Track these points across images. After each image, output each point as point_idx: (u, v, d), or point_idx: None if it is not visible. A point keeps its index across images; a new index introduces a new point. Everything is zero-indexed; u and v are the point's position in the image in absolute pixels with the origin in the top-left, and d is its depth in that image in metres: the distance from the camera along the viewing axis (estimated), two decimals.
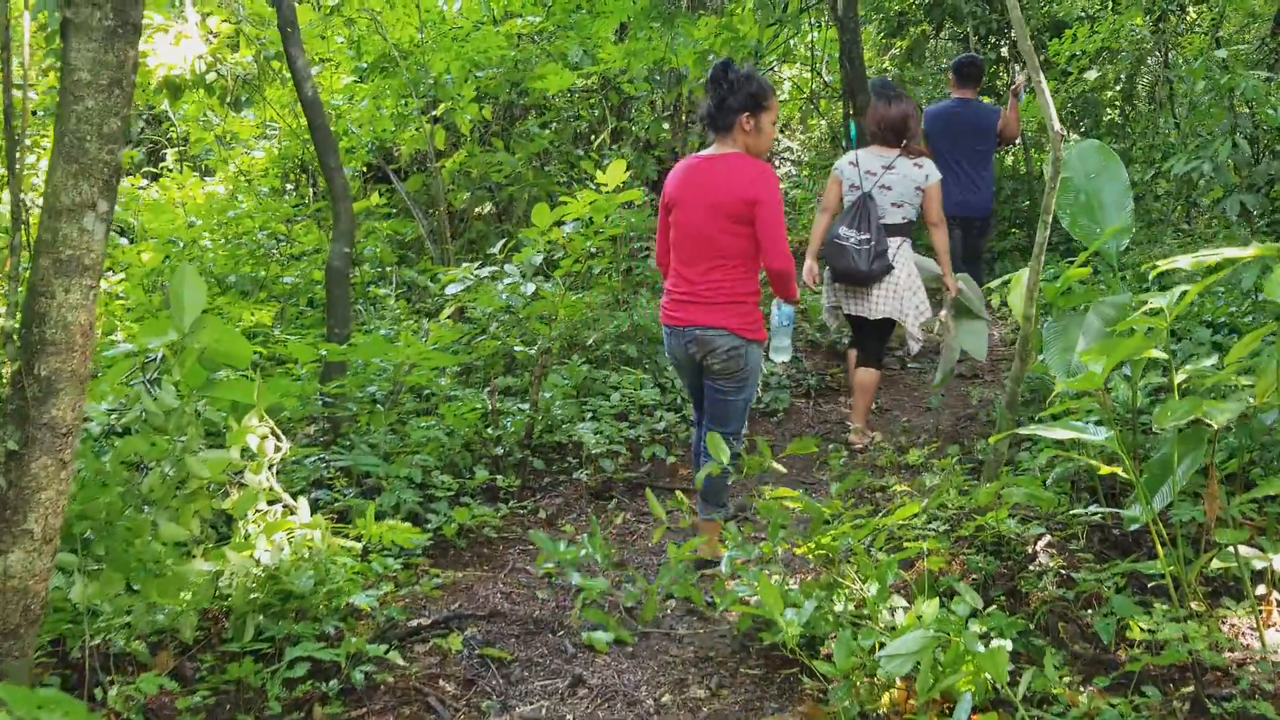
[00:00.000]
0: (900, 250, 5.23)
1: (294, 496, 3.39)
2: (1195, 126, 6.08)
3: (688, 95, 7.55)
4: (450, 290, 5.32)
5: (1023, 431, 3.23)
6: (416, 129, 7.75)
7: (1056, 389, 3.46)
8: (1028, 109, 9.96)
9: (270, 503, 3.30)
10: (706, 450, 3.49)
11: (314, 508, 4.01)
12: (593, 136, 8.54)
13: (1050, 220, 3.65)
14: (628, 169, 4.99)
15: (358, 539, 3.41)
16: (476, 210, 8.67)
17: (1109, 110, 11.88)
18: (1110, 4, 11.01)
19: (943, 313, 5.50)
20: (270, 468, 3.28)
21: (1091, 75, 8.24)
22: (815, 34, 7.84)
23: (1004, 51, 11.94)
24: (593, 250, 5.69)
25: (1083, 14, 10.44)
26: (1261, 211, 5.58)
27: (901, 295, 5.23)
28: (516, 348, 5.20)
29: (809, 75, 9.58)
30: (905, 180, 5.19)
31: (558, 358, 5.74)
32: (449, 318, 6.35)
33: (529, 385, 5.19)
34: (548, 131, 7.80)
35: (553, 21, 7.96)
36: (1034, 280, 3.68)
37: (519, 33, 8.06)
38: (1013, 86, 6.95)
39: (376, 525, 3.50)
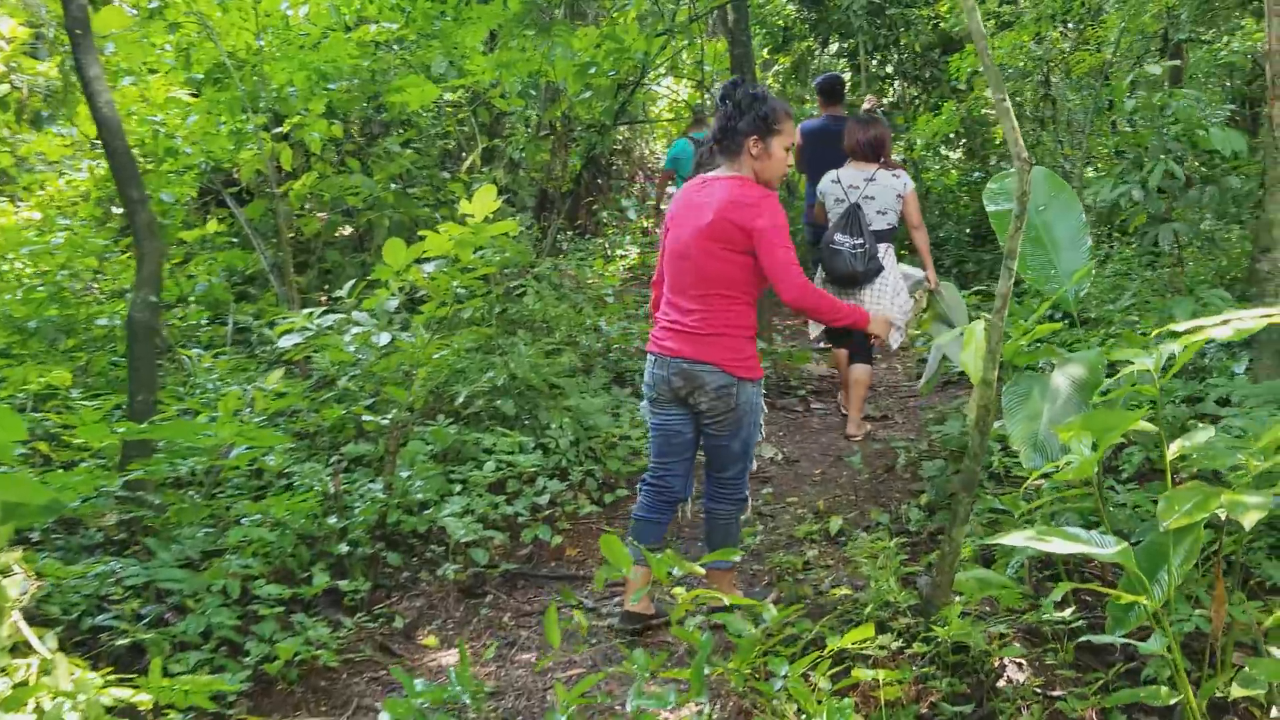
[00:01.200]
0: (887, 254, 5.72)
1: (65, 630, 2.48)
2: (1120, 147, 5.62)
3: (567, 112, 6.82)
4: (285, 343, 4.43)
5: (1002, 541, 2.54)
6: (259, 148, 6.78)
7: (1033, 476, 2.81)
8: (921, 126, 9.58)
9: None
10: (653, 521, 3.53)
11: (92, 645, 3.10)
12: (463, 156, 7.71)
13: (1015, 266, 3.00)
14: (501, 194, 4.19)
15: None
16: (331, 238, 7.73)
17: (994, 131, 11.61)
18: (996, 21, 10.73)
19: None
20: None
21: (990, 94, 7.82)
22: (704, 47, 7.20)
23: (889, 69, 11.59)
24: (461, 292, 4.87)
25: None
26: (1191, 241, 5.13)
27: (889, 295, 5.66)
28: (365, 416, 4.31)
29: (697, 90, 8.98)
30: (887, 190, 5.74)
31: (420, 418, 4.88)
32: (290, 368, 5.44)
33: (384, 454, 4.33)
34: (409, 151, 6.93)
35: (414, 29, 7.10)
36: (996, 337, 3.02)
37: (375, 40, 7.17)
38: (864, 108, 6.89)
39: (168, 680, 2.62)
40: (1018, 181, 2.94)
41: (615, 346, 6.76)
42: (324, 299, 6.96)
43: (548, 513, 4.62)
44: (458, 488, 4.53)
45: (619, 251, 12.96)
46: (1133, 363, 2.95)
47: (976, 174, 11.48)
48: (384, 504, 4.03)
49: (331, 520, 3.94)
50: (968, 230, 10.96)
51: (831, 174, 5.89)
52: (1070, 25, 9.23)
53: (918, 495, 4.87)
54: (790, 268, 3.28)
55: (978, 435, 3.15)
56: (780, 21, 11.58)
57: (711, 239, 3.31)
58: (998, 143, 11.09)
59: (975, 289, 9.27)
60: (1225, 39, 12.72)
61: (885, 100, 11.80)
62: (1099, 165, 13.03)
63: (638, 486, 3.79)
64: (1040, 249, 3.64)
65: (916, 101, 11.00)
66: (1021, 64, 9.53)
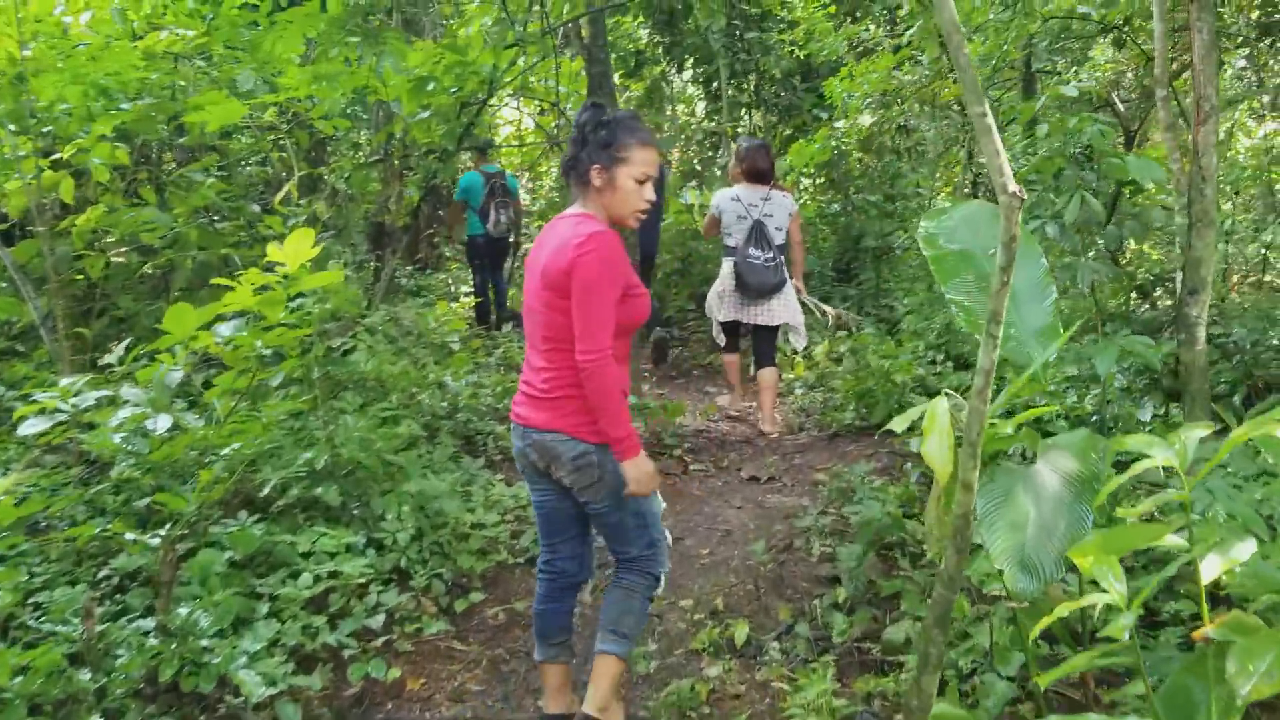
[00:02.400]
0: (784, 266, 6.44)
1: None
2: (1027, 177, 5.10)
3: (402, 135, 5.88)
4: (27, 429, 3.36)
5: None
6: (30, 178, 5.59)
7: (1041, 624, 2.08)
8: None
9: None
10: (554, 610, 3.14)
11: None
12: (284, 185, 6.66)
13: (1000, 333, 2.28)
14: (325, 229, 3.26)
15: None
16: (126, 281, 6.53)
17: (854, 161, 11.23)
18: (857, 49, 10.35)
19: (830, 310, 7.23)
20: None
21: (866, 121, 7.31)
22: (558, 65, 6.41)
23: (744, 98, 11.07)
24: (270, 355, 3.88)
25: (839, 59, 9.67)
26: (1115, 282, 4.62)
27: (792, 303, 6.45)
28: (129, 535, 3.27)
29: (551, 113, 8.17)
30: (781, 209, 6.43)
31: (216, 515, 3.86)
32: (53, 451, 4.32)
33: (160, 571, 3.30)
34: (212, 180, 5.86)
35: (218, 39, 6.04)
36: (977, 427, 2.30)
37: (171, 52, 6.08)
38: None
39: None
40: (1004, 222, 2.22)
41: (463, 405, 5.84)
42: (110, 355, 5.79)
43: (383, 638, 3.66)
44: (264, 608, 3.53)
45: (464, 289, 12.02)
46: (1144, 455, 2.27)
47: (835, 206, 11.09)
48: (156, 652, 3.01)
49: (84, 676, 2.90)
50: (831, 265, 10.52)
51: (729, 192, 6.45)
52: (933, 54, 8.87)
53: (831, 585, 4.15)
54: (593, 323, 2.76)
55: (953, 555, 2.40)
56: (632, 45, 10.93)
57: (547, 287, 2.87)
58: (857, 174, 10.70)
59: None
60: (1074, 70, 12.80)
61: (740, 129, 11.29)
62: (948, 196, 12.90)
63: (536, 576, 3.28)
64: (987, 301, 2.94)
65: (776, 130, 10.50)
66: (882, 93, 9.12)
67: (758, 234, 6.25)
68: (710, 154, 11.36)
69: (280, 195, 5.26)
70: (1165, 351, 4.58)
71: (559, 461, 2.91)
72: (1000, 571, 2.40)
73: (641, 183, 2.93)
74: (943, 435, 2.44)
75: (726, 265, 6.44)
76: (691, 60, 11.11)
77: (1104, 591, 2.05)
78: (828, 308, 7.33)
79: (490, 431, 5.84)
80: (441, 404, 5.71)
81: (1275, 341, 5.97)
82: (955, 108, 11.63)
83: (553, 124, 6.91)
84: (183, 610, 3.18)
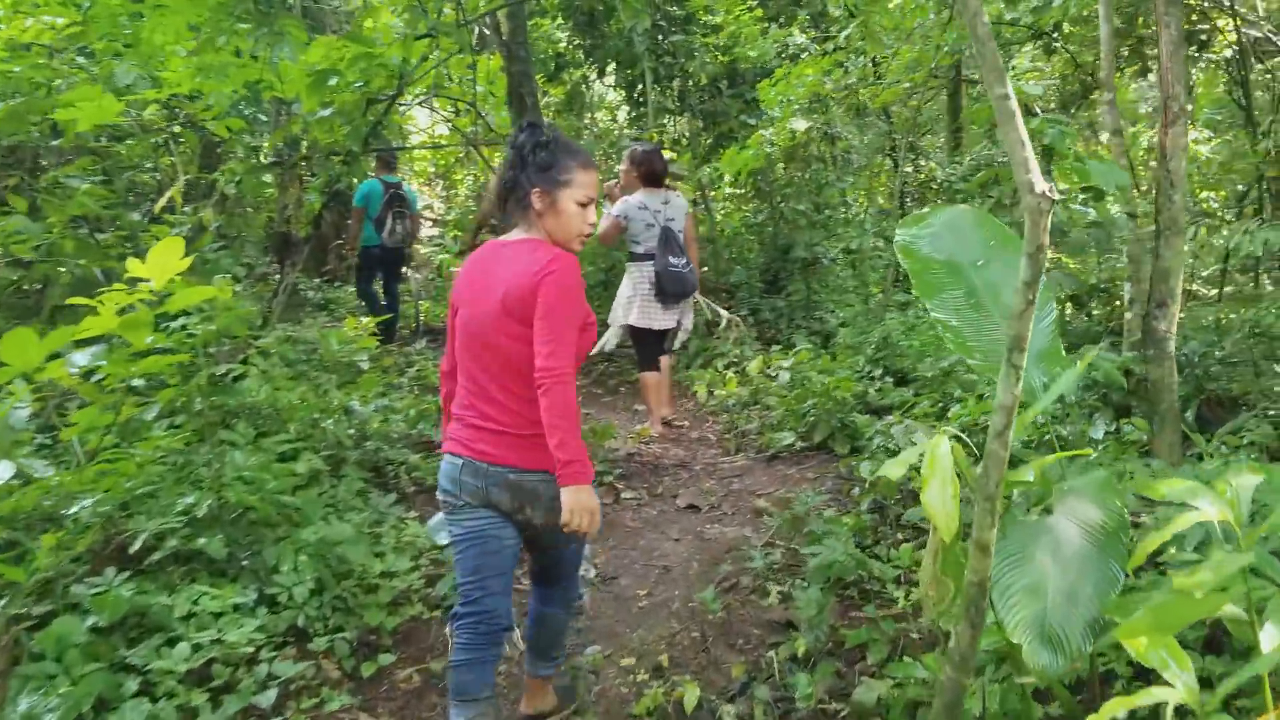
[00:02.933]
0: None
1: None
2: (981, 184, 4.80)
3: (301, 136, 5.33)
4: None
5: None
6: None
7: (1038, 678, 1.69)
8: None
9: None
10: (477, 662, 2.82)
11: None
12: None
13: (1023, 363, 1.88)
14: (217, 239, 2.75)
15: None
16: None
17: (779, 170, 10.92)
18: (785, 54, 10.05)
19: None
20: None
21: (800, 126, 6.98)
22: (475, 63, 5.93)
23: (670, 103, 10.69)
24: (140, 385, 3.34)
25: (768, 64, 9.34)
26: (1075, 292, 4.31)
27: (690, 306, 6.57)
28: None
29: (468, 114, 7.64)
30: (680, 210, 6.39)
31: (79, 573, 3.29)
32: None
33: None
34: (90, 186, 5.24)
35: (96, 30, 5.43)
36: (996, 477, 1.89)
37: (40, 43, 5.46)
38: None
39: None
40: (1029, 228, 1.82)
41: (372, 433, 5.31)
42: None
43: (277, 719, 3.13)
44: (133, 684, 2.99)
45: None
46: (1189, 506, 1.90)
47: (762, 214, 10.77)
48: None
49: None
50: (759, 276, 10.19)
51: (634, 200, 6.28)
52: (862, 60, 8.60)
53: (786, 631, 3.74)
54: (560, 346, 2.62)
55: (966, 631, 2.00)
56: (551, 48, 10.47)
57: (509, 317, 2.70)
58: (782, 183, 10.38)
59: (777, 343, 8.50)
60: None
61: (663, 136, 10.91)
62: (883, 205, 12.71)
63: (447, 629, 2.97)
64: (984, 320, 2.57)
65: (701, 137, 10.13)
66: (811, 99, 8.82)
67: (669, 240, 6.24)
68: None
69: (161, 202, 4.68)
70: (1116, 364, 4.30)
71: (537, 502, 2.78)
72: (1016, 644, 2.01)
73: (584, 205, 2.83)
74: (945, 483, 2.03)
75: (640, 272, 6.35)
76: (614, 64, 10.70)
77: (1166, 683, 1.66)
78: (722, 310, 7.55)
79: (402, 461, 5.31)
80: (348, 432, 5.17)
81: (1224, 354, 5.77)
82: (883, 116, 11.44)
83: (469, 126, 6.40)
84: (24, 704, 2.62)
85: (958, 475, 2.11)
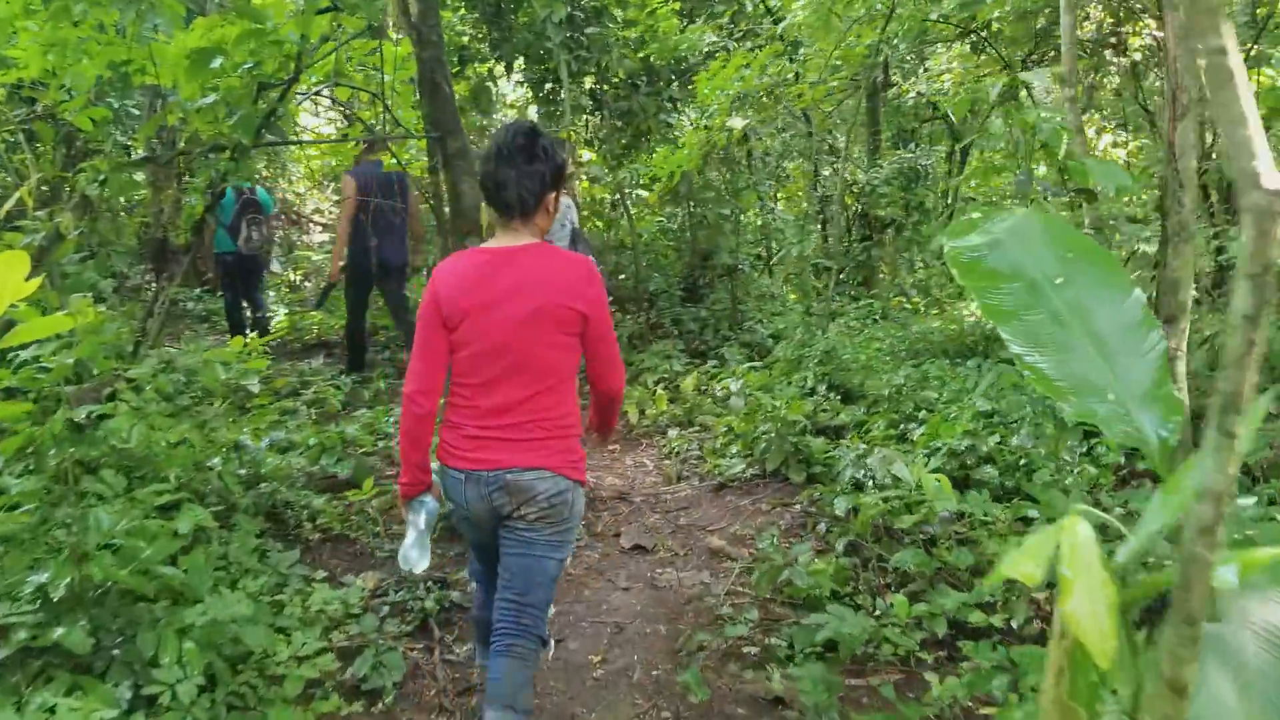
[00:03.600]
0: None
1: None
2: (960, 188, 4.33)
3: (179, 127, 4.55)
4: None
5: None
6: None
7: None
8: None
9: None
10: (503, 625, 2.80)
11: None
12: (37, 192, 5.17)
13: (1239, 424, 1.35)
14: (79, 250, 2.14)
15: None
16: None
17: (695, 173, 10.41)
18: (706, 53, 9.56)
19: None
20: None
21: (737, 124, 6.46)
22: (381, 47, 5.24)
23: (582, 100, 10.08)
24: None
25: (688, 62, 8.83)
26: None
27: None
28: None
29: (373, 105, 6.85)
30: (569, 210, 6.07)
31: None
32: None
33: None
34: None
35: None
36: (1197, 594, 1.36)
37: None
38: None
39: None
40: (1252, 240, 1.29)
41: (268, 472, 4.58)
42: None
43: None
44: None
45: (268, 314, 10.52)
46: None
47: (679, 219, 10.26)
48: None
49: None
50: (680, 285, 9.66)
51: None
52: (788, 59, 8.15)
53: (776, 712, 3.19)
54: (619, 353, 2.92)
55: None
56: (454, 40, 9.75)
57: (538, 325, 2.70)
58: (699, 185, 9.86)
59: (701, 357, 7.99)
60: (911, 79, 12.47)
61: (579, 136, 10.30)
62: (793, 211, 12.34)
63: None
64: (1066, 352, 2.05)
65: (618, 136, 9.55)
66: (739, 96, 8.33)
67: (579, 241, 6.13)
68: None
69: (8, 205, 3.87)
70: None
71: (533, 500, 2.75)
72: None
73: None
74: (1096, 588, 1.48)
75: None
76: (522, 59, 10.05)
77: None
78: None
79: (305, 505, 4.60)
80: (239, 472, 4.44)
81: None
82: (801, 117, 11.04)
83: (375, 119, 5.69)
84: None
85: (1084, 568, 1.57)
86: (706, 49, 9.61)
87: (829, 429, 5.76)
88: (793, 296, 11.16)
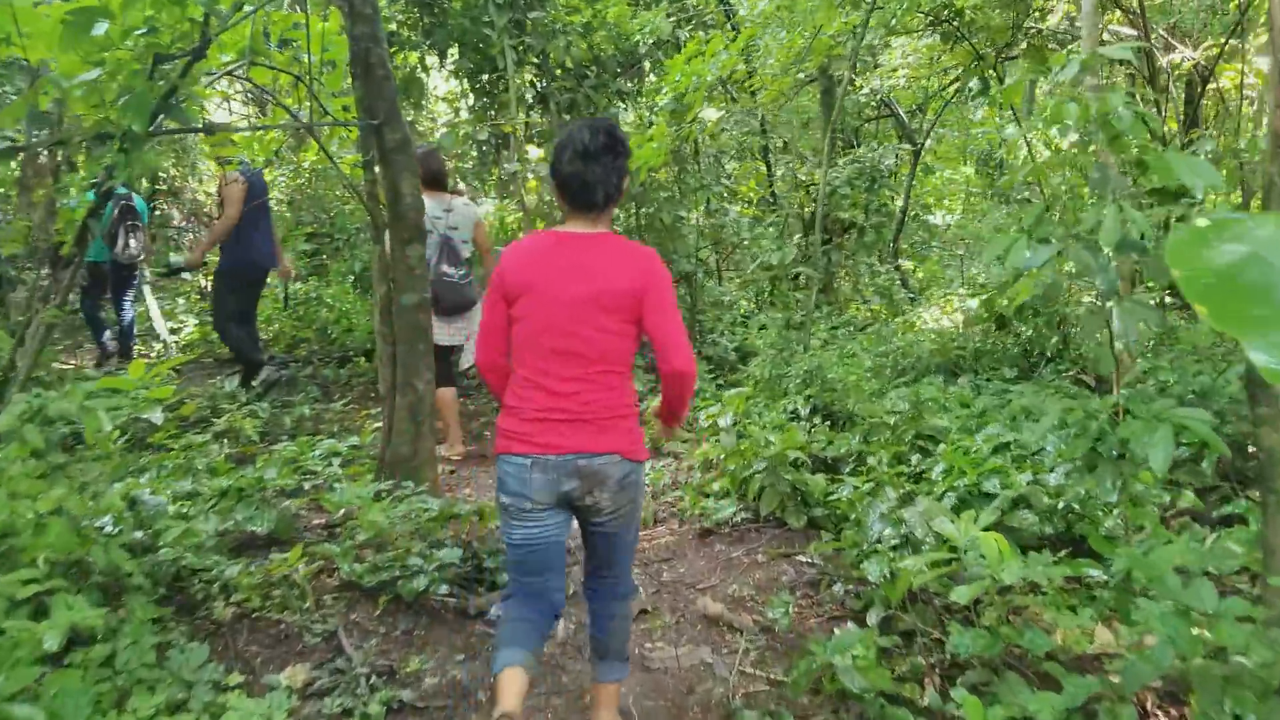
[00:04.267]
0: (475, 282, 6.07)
1: None
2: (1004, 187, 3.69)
3: (54, 110, 3.67)
4: None
5: None
6: None
7: None
8: None
9: None
10: (528, 621, 2.88)
11: None
12: None
13: None
14: None
15: None
16: None
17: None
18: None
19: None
20: None
21: (711, 115, 5.75)
22: (307, 24, 4.42)
23: (528, 95, 9.29)
24: None
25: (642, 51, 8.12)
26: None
27: (476, 321, 5.85)
28: None
29: (295, 90, 5.94)
30: (467, 218, 6.01)
31: None
32: None
33: None
34: None
35: None
36: None
37: None
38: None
39: None
40: None
41: (168, 538, 3.73)
42: None
43: None
44: None
45: (169, 336, 9.58)
46: None
47: (628, 220, 9.53)
48: None
49: None
50: None
51: None
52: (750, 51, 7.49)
53: None
54: (685, 333, 2.85)
55: None
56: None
57: (604, 310, 2.74)
58: (652, 186, 9.14)
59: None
60: (865, 75, 11.93)
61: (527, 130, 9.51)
62: (753, 212, 11.69)
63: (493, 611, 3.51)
64: None
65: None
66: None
67: (448, 249, 5.87)
68: (488, 159, 9.50)
69: None
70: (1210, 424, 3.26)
71: (605, 484, 2.80)
72: None
73: None
74: None
75: None
76: (457, 47, 9.23)
77: None
78: None
79: (216, 575, 3.76)
80: (134, 535, 3.60)
81: None
82: (754, 113, 10.40)
83: (300, 104, 4.85)
84: None
85: None
86: (657, 39, 8.93)
87: (823, 462, 5.09)
88: (746, 304, 10.53)
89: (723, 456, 5.06)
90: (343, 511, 4.46)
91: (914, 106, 14.02)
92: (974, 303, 7.15)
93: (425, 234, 4.75)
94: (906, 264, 13.87)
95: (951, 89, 11.60)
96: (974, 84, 8.04)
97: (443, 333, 5.84)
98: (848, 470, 5.01)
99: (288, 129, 4.55)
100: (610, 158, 2.77)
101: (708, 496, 5.06)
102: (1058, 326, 6.87)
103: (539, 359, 2.78)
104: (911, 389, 5.85)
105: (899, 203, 10.36)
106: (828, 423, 5.66)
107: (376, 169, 4.73)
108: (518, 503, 2.77)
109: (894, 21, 8.49)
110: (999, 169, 24.32)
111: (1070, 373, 6.40)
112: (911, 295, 11.82)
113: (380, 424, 5.14)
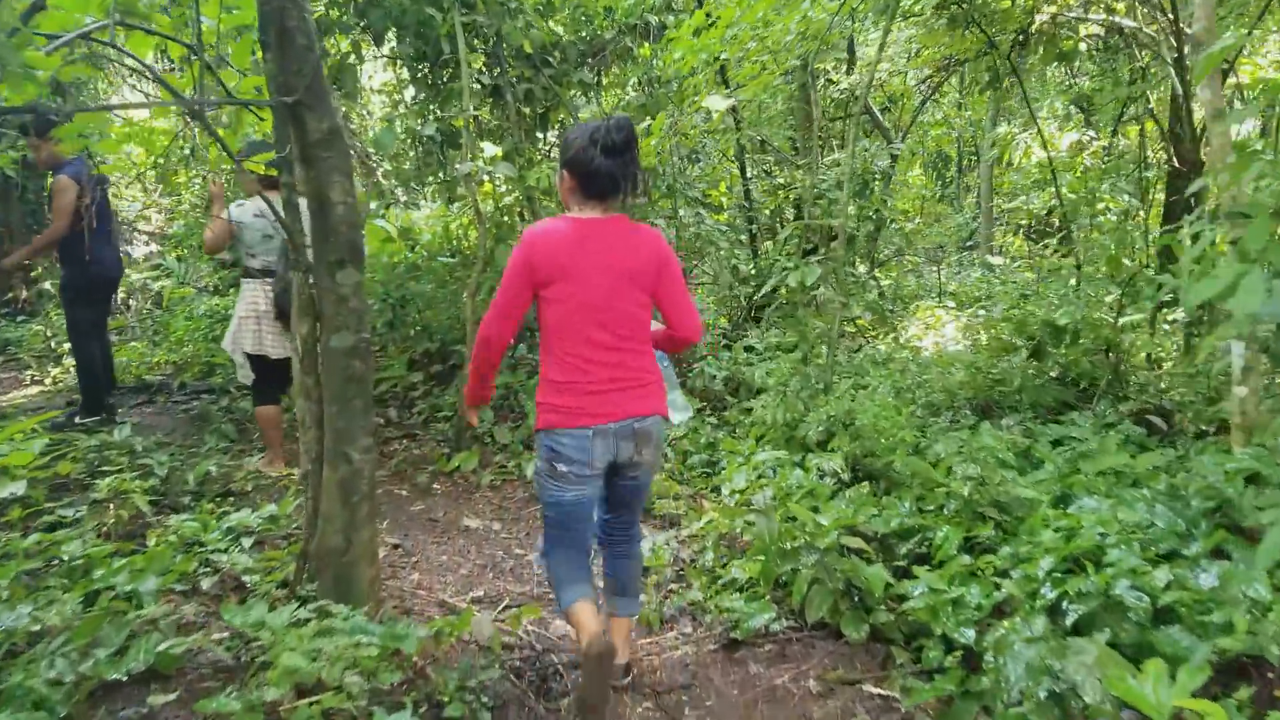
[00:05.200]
0: None
1: None
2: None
3: None
4: None
5: None
6: None
7: None
8: None
9: None
10: (575, 566, 3.18)
11: None
12: None
13: None
14: None
15: None
16: None
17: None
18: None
19: None
20: None
21: (718, 104, 4.66)
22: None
23: (479, 84, 8.11)
24: None
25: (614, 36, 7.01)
26: None
27: None
28: None
29: (189, 68, 4.73)
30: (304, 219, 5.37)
31: None
32: None
33: None
34: None
35: None
36: None
37: None
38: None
39: None
40: None
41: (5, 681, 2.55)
42: None
43: None
44: None
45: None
46: None
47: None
48: None
49: None
50: None
51: (250, 206, 5.55)
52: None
53: None
54: (692, 300, 3.23)
55: None
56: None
57: (640, 287, 3.07)
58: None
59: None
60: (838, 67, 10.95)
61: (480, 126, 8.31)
62: (726, 218, 10.62)
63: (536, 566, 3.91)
64: None
65: (523, 124, 7.61)
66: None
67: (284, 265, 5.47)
68: (431, 159, 8.29)
69: None
70: None
71: (649, 443, 3.12)
72: None
73: None
74: None
75: (252, 290, 5.61)
76: (394, 30, 8.03)
77: None
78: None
79: None
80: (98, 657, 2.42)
81: None
82: (730, 112, 9.32)
83: (190, 89, 3.64)
84: None
85: None
86: (626, 22, 7.83)
87: (875, 540, 4.02)
88: (724, 321, 9.47)
89: (747, 536, 3.97)
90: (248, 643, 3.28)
91: (883, 105, 13.11)
92: (999, 312, 6.16)
93: (362, 254, 3.60)
94: (878, 273, 12.94)
95: (935, 81, 10.66)
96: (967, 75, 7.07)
97: (281, 345, 5.55)
98: (903, 552, 3.95)
99: (169, 110, 3.28)
100: (631, 153, 3.02)
101: (727, 586, 3.96)
102: (1107, 353, 5.90)
103: (581, 336, 3.01)
104: (954, 433, 4.83)
105: (895, 207, 9.40)
106: (865, 482, 4.60)
107: (296, 170, 3.57)
108: (578, 470, 3.02)
109: (886, 6, 7.47)
110: (959, 170, 23.61)
111: (1130, 409, 5.43)
112: (890, 308, 10.87)
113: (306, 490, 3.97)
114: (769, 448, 5.14)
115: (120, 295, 11.38)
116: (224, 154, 4.86)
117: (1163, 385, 5.68)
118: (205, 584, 3.81)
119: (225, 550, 4.12)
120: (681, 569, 4.32)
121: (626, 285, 3.00)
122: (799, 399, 5.02)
